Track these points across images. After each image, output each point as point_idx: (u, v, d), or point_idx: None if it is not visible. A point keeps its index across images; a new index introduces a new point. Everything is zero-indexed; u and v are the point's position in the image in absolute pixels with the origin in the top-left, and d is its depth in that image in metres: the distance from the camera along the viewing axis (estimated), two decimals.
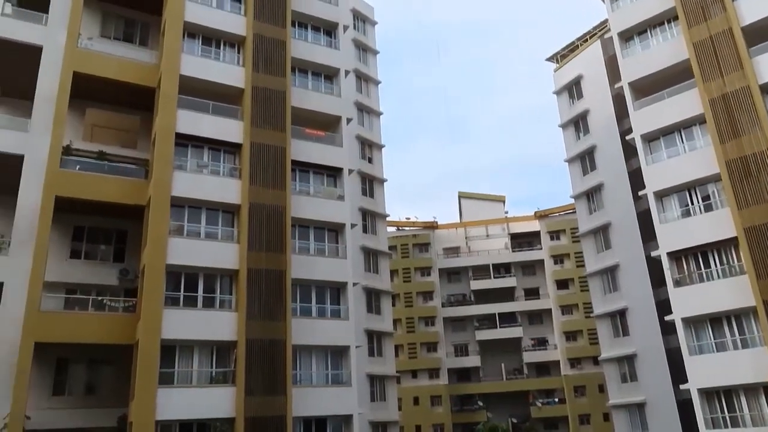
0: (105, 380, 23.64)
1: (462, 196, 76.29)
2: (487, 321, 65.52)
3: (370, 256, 41.31)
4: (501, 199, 76.19)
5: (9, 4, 25.43)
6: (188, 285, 23.17)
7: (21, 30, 24.64)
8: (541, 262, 66.39)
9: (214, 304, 23.52)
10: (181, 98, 24.94)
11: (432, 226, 70.73)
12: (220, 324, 22.92)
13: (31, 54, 24.20)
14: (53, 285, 22.49)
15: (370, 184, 42.88)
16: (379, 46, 47.90)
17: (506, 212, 73.89)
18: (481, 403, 62.19)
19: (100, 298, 23.23)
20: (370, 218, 42.22)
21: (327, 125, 29.80)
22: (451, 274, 68.88)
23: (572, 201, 47.12)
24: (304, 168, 27.84)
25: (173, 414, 20.98)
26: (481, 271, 67.68)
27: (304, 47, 29.99)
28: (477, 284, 66.70)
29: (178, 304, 22.71)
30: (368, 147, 43.79)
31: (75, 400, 22.88)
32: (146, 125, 26.24)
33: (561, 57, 48.88)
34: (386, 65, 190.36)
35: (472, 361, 64.43)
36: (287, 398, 22.72)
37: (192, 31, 26.76)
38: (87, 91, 24.60)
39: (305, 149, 27.70)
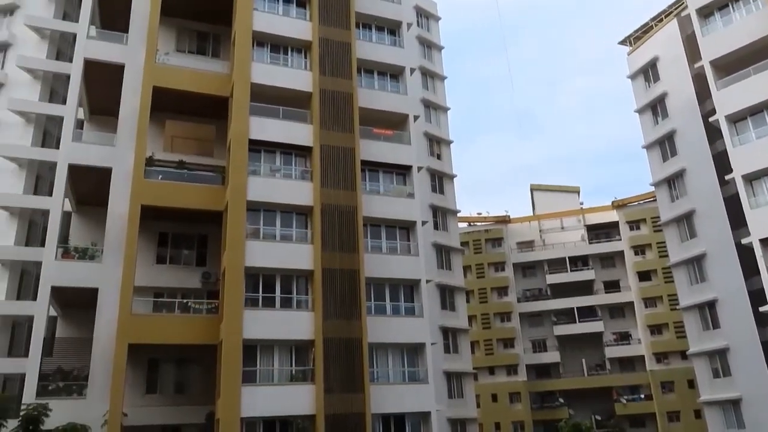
0: (193, 379, 24.76)
1: (534, 188, 74.67)
2: (566, 316, 63.86)
3: (443, 253, 41.16)
4: (575, 190, 74.02)
5: (93, 27, 27.07)
6: (266, 286, 23.88)
7: (105, 50, 26.23)
8: (621, 253, 64.03)
9: (291, 305, 24.13)
10: (252, 105, 25.73)
11: (504, 220, 69.65)
12: (297, 323, 23.50)
13: (115, 72, 25.69)
14: (142, 289, 23.75)
15: (440, 180, 42.72)
16: (443, 41, 47.63)
17: (581, 203, 71.74)
18: (561, 400, 60.71)
19: (185, 300, 24.34)
20: (441, 215, 42.07)
21: (395, 124, 29.92)
22: (525, 269, 67.60)
23: (652, 189, 45.17)
24: (373, 167, 28.08)
25: (257, 411, 21.71)
26: (557, 264, 66.04)
27: (369, 48, 30.23)
28: (553, 278, 65.14)
29: (258, 305, 23.44)
30: (436, 143, 43.63)
31: (166, 398, 24.11)
32: (221, 133, 27.25)
33: (634, 39, 46.88)
34: (452, 59, 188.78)
35: (551, 356, 63.01)
36: (365, 395, 23.02)
37: (261, 40, 27.54)
38: (166, 104, 25.81)
39: (374, 149, 27.93)
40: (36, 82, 33.15)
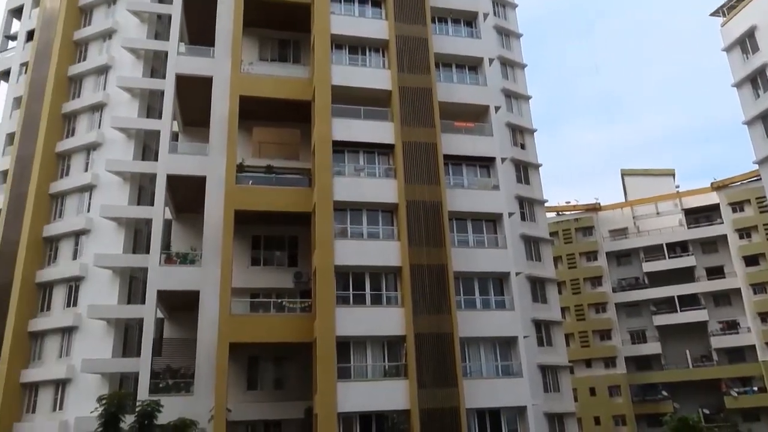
0: (291, 375, 25.63)
1: (625, 173, 71.47)
2: (666, 305, 60.77)
3: (531, 244, 40.27)
4: (670, 173, 70.17)
5: (182, 43, 28.57)
6: (356, 284, 24.29)
7: (194, 65, 27.69)
8: (724, 237, 60.14)
9: (381, 301, 24.41)
10: (334, 107, 26.24)
11: (594, 208, 67.16)
12: (388, 320, 23.75)
13: (204, 84, 27.02)
14: (239, 290, 24.83)
15: (525, 170, 41.80)
16: (521, 28, 46.52)
17: (677, 186, 67.90)
18: (665, 393, 57.86)
19: (279, 300, 25.24)
20: (528, 205, 41.16)
21: (475, 116, 29.56)
22: (619, 257, 64.91)
23: (756, 167, 42.03)
24: (456, 161, 27.87)
25: (353, 406, 22.15)
26: (653, 251, 62.94)
27: (446, 41, 30.02)
28: (650, 266, 62.15)
29: (349, 303, 23.89)
30: (519, 133, 42.71)
31: (266, 394, 25.12)
32: (306, 136, 27.97)
33: (728, 9, 43.75)
34: (531, 46, 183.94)
35: (652, 348, 60.16)
36: (459, 390, 22.94)
37: (339, 42, 28.01)
38: (253, 112, 26.83)
39: (456, 142, 27.73)
40: (134, 100, 35.37)
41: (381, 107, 27.32)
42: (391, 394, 22.69)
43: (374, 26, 28.55)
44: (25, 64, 39.53)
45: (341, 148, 26.16)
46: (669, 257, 61.83)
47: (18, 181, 34.79)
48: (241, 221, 24.86)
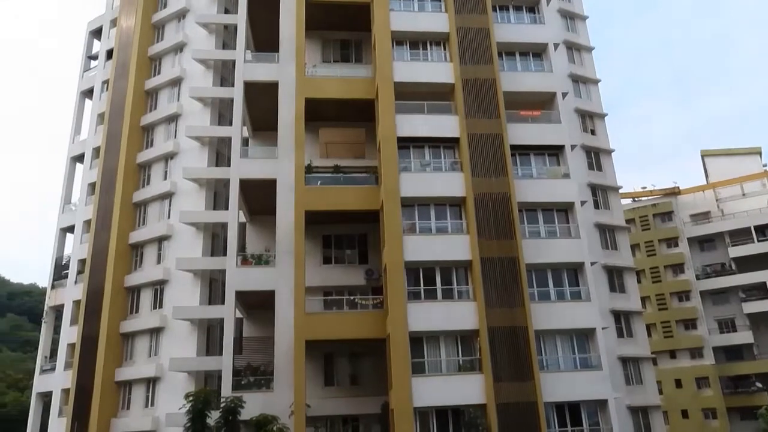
0: (366, 371, 26.00)
1: (705, 154, 67.81)
2: (757, 291, 57.20)
3: (606, 233, 38.97)
4: (756, 152, 65.95)
5: (249, 51, 29.48)
6: (427, 279, 24.31)
7: (260, 71, 28.56)
8: None
9: (452, 296, 24.32)
10: (398, 104, 26.34)
11: (673, 192, 64.15)
12: (460, 314, 23.65)
13: (271, 90, 27.80)
14: (312, 289, 25.40)
15: (596, 157, 40.46)
16: (587, 10, 44.99)
17: (765, 165, 63.77)
18: (760, 385, 54.58)
19: (352, 297, 25.64)
20: (601, 193, 39.83)
21: (542, 104, 28.91)
22: (703, 242, 61.67)
23: None
24: (523, 151, 27.35)
25: (428, 401, 22.23)
26: (740, 235, 59.41)
27: (508, 29, 29.49)
28: (737, 250, 58.68)
29: (420, 298, 23.95)
30: (589, 118, 41.37)
31: (342, 390, 25.60)
32: (371, 135, 28.23)
33: None
34: (599, 27, 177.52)
35: (743, 337, 56.83)
36: (536, 384, 22.56)
37: (399, 39, 28.08)
38: (318, 113, 27.36)
39: (522, 132, 27.22)
40: (206, 109, 36.83)
41: (444, 101, 27.20)
42: (467, 389, 22.60)
43: (434, 20, 28.43)
44: (106, 82, 41.91)
45: (406, 144, 26.23)
46: (758, 240, 58.22)
47: (105, 192, 36.97)
48: (311, 221, 25.41)
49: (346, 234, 27.77)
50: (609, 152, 41.22)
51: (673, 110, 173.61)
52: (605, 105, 42.30)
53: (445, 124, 26.51)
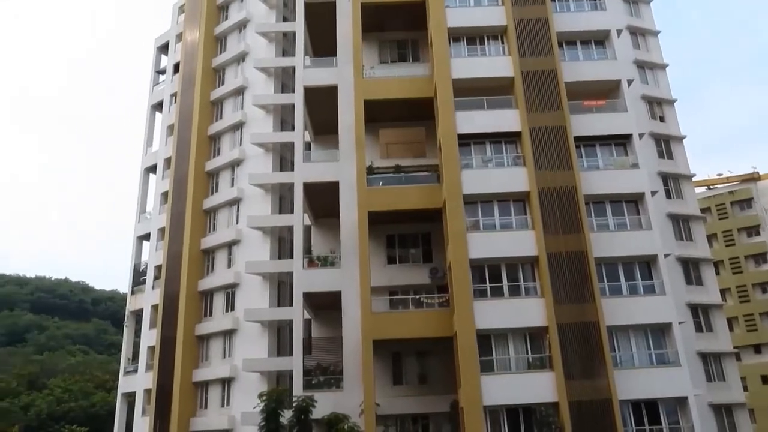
0: (433, 370, 25.97)
1: None
2: None
3: (680, 223, 37.33)
4: None
5: (308, 57, 30.05)
6: (492, 276, 24.05)
7: (319, 76, 29.05)
8: None
9: (519, 292, 23.96)
10: (457, 101, 26.18)
11: (753, 178, 60.78)
12: (528, 311, 23.27)
13: (330, 93, 28.20)
14: (378, 289, 25.59)
15: (666, 144, 38.83)
16: None
17: None
18: None
19: (417, 296, 25.68)
20: (673, 182, 38.20)
21: (606, 92, 28.02)
22: None
23: None
24: (588, 142, 26.58)
25: (498, 399, 21.99)
26: None
27: (568, 18, 28.74)
28: None
29: (486, 296, 23.72)
30: (657, 105, 39.77)
31: (411, 388, 25.67)
32: (431, 133, 28.18)
33: None
34: (664, 9, 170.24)
35: None
36: (609, 381, 21.91)
37: (456, 35, 27.89)
38: (378, 114, 27.53)
39: (586, 123, 26.47)
40: (268, 116, 37.80)
41: (504, 95, 26.81)
42: (537, 387, 22.23)
43: (491, 13, 28.08)
44: (174, 95, 43.67)
45: (467, 140, 26.03)
46: None
47: (177, 200, 38.55)
48: (374, 222, 25.61)
49: (409, 233, 27.82)
50: (680, 139, 39.49)
51: (752, 92, 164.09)
52: (675, 90, 40.58)
53: (506, 119, 26.14)
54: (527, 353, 23.20)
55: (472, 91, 26.67)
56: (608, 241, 24.50)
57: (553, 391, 21.95)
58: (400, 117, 28.56)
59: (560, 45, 27.88)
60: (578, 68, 27.69)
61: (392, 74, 28.81)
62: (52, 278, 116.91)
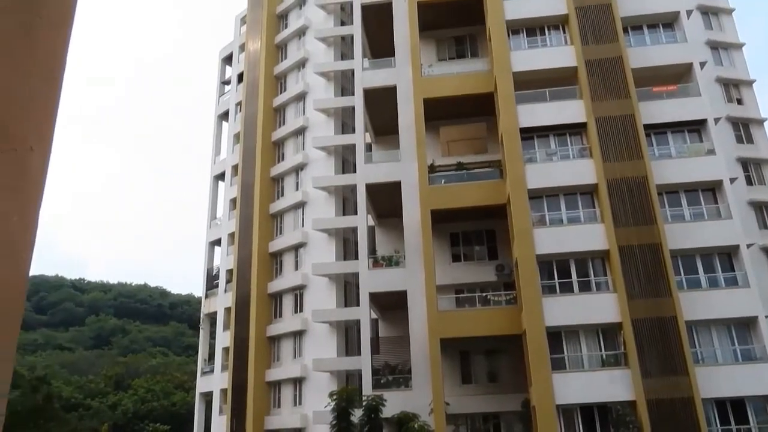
0: (503, 368, 25.61)
1: None
2: None
3: (764, 211, 35.24)
4: None
5: (366, 59, 30.28)
6: (561, 272, 23.48)
7: (378, 77, 29.17)
8: None
9: (590, 288, 23.28)
10: (518, 94, 25.71)
11: None
12: (600, 306, 22.57)
13: (389, 94, 28.29)
14: (444, 287, 25.46)
15: (745, 128, 36.77)
16: None
17: None
18: None
19: (484, 294, 25.38)
20: (754, 167, 36.12)
21: (677, 77, 26.80)
22: None
23: None
24: (659, 130, 25.52)
25: (571, 398, 21.41)
26: None
27: (633, 2, 27.63)
28: None
29: (555, 292, 23.18)
30: (734, 87, 37.72)
31: (480, 387, 25.39)
32: (492, 128, 27.80)
33: None
34: None
35: None
36: (690, 378, 20.92)
37: (515, 28, 27.40)
38: (437, 112, 27.40)
39: (656, 109, 25.41)
40: (329, 119, 38.37)
41: (568, 85, 26.11)
42: (613, 385, 21.50)
43: (550, 3, 27.41)
44: (239, 104, 45.04)
45: (530, 134, 25.52)
46: None
47: (244, 205, 39.70)
48: (438, 220, 25.50)
49: (473, 230, 27.54)
50: (760, 122, 37.30)
51: None
52: (753, 70, 38.37)
53: (570, 110, 25.47)
54: (600, 350, 22.50)
55: (534, 84, 26.14)
56: (684, 232, 23.42)
57: (630, 389, 21.18)
58: (460, 114, 28.32)
59: (625, 30, 26.90)
60: (646, 53, 26.62)
61: (451, 71, 28.62)
62: (133, 284, 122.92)
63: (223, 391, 37.81)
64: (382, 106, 29.23)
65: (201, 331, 44.15)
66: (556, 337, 22.39)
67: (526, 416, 22.97)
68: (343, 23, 40.82)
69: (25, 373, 45.95)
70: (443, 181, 26.50)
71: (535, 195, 24.40)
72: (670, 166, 24.52)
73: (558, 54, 26.61)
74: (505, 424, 24.97)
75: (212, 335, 42.43)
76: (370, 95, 29.30)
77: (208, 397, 40.50)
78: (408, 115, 27.53)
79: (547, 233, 23.76)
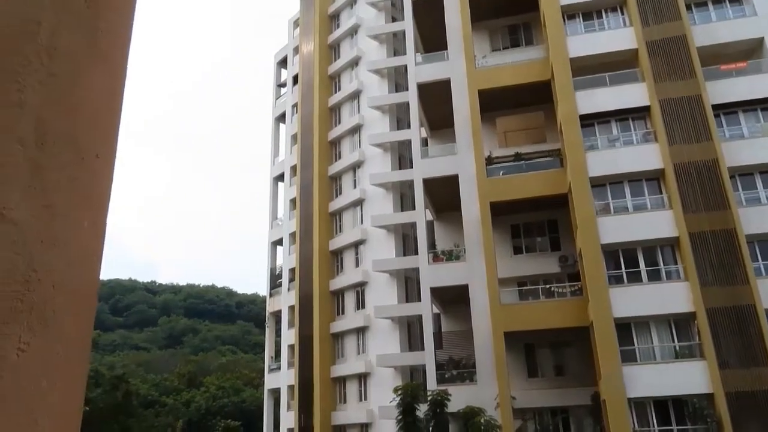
0: (570, 361, 25.04)
1: None
2: None
3: None
4: None
5: (419, 54, 30.17)
6: (628, 261, 22.72)
7: (431, 71, 28.99)
8: None
9: (659, 277, 22.43)
10: (576, 80, 25.01)
11: None
12: (670, 296, 21.70)
13: (444, 87, 28.07)
14: (506, 280, 25.12)
15: None
16: None
17: None
18: None
19: (547, 286, 24.88)
20: None
21: (747, 53, 25.41)
22: None
23: None
24: (729, 109, 24.27)
25: (643, 391, 20.70)
26: None
27: None
28: None
29: (622, 282, 22.46)
30: None
31: (547, 381, 24.91)
32: (550, 117, 27.19)
33: None
34: None
35: None
36: None
37: (570, 12, 26.65)
38: (493, 103, 27.02)
39: (725, 88, 24.17)
40: (384, 116, 38.48)
41: (628, 69, 25.21)
42: (688, 377, 20.65)
43: None
44: (295, 105, 45.80)
45: (590, 121, 24.79)
46: None
47: (304, 205, 40.38)
48: (497, 212, 25.17)
49: (534, 222, 27.04)
50: None
51: None
52: None
53: (632, 94, 24.57)
54: (673, 341, 21.65)
55: (592, 69, 25.37)
56: (761, 216, 22.23)
57: (707, 381, 20.29)
58: (517, 104, 27.82)
59: (688, 8, 25.73)
60: (711, 30, 25.37)
61: (505, 61, 28.14)
62: (201, 285, 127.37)
63: (291, 388, 38.64)
64: (436, 100, 29.04)
65: (266, 329, 45.26)
66: (625, 328, 21.69)
67: (596, 410, 22.40)
68: (394, 19, 40.81)
69: (106, 372, 48.45)
70: (501, 172, 26.11)
71: (598, 183, 23.70)
72: (743, 147, 23.30)
73: (617, 37, 25.71)
74: (575, 419, 24.42)
75: (278, 333, 43.43)
76: (424, 90, 29.16)
77: (276, 393, 41.49)
78: (463, 107, 27.26)
79: (611, 222, 23.05)
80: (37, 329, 0.86)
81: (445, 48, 29.21)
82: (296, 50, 47.60)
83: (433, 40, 31.00)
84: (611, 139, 24.76)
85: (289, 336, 39.94)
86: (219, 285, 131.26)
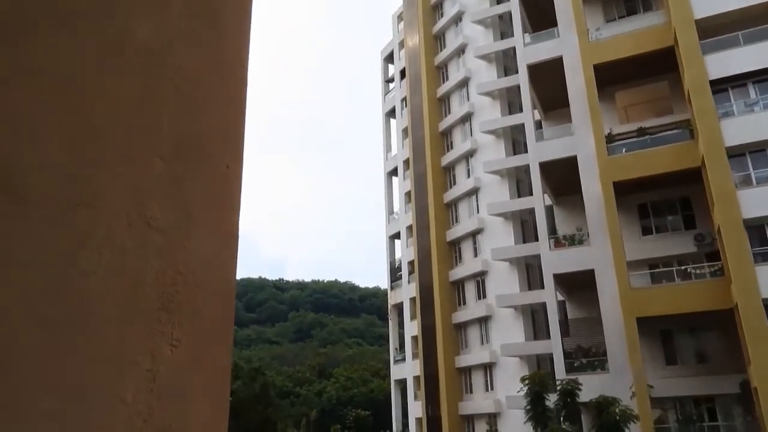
0: (713, 347, 23.24)
1: None
2: None
3: None
4: None
5: (527, 34, 29.25)
6: None
7: (541, 51, 28.00)
8: None
9: None
10: (703, 44, 23.04)
11: None
12: None
13: (555, 66, 27.01)
14: (635, 263, 23.75)
15: None
16: None
17: None
18: None
19: (683, 267, 23.22)
20: None
21: None
22: None
23: None
24: None
25: None
26: None
27: None
28: None
29: None
30: None
31: (688, 368, 23.29)
32: (675, 86, 25.28)
33: None
34: None
35: None
36: None
37: None
38: (610, 78, 25.57)
39: None
40: (495, 102, 37.76)
41: (765, 24, 22.82)
42: None
43: None
44: (404, 99, 46.20)
45: (722, 85, 22.74)
46: None
47: (419, 197, 40.68)
48: (621, 192, 23.84)
49: (664, 199, 25.30)
50: None
51: None
52: None
53: None
54: None
55: (721, 29, 23.23)
56: None
57: None
58: (637, 75, 26.10)
59: None
60: None
61: (621, 30, 26.47)
62: (325, 281, 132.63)
63: (416, 378, 39.19)
64: (548, 81, 28.01)
65: (389, 321, 46.21)
66: None
67: (746, 399, 20.60)
68: (498, 2, 39.86)
69: (244, 365, 51.85)
70: (624, 150, 24.67)
71: (736, 153, 21.71)
72: None
73: None
74: (721, 408, 22.62)
75: (400, 325, 44.18)
76: (535, 70, 28.22)
77: (402, 383, 42.28)
78: (578, 85, 26.06)
79: (754, 194, 21.04)
80: (185, 327, 0.96)
81: (555, 25, 28.04)
82: (401, 44, 47.94)
83: (541, 18, 29.88)
84: (749, 103, 22.57)
85: (412, 327, 40.49)
86: (342, 280, 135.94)
